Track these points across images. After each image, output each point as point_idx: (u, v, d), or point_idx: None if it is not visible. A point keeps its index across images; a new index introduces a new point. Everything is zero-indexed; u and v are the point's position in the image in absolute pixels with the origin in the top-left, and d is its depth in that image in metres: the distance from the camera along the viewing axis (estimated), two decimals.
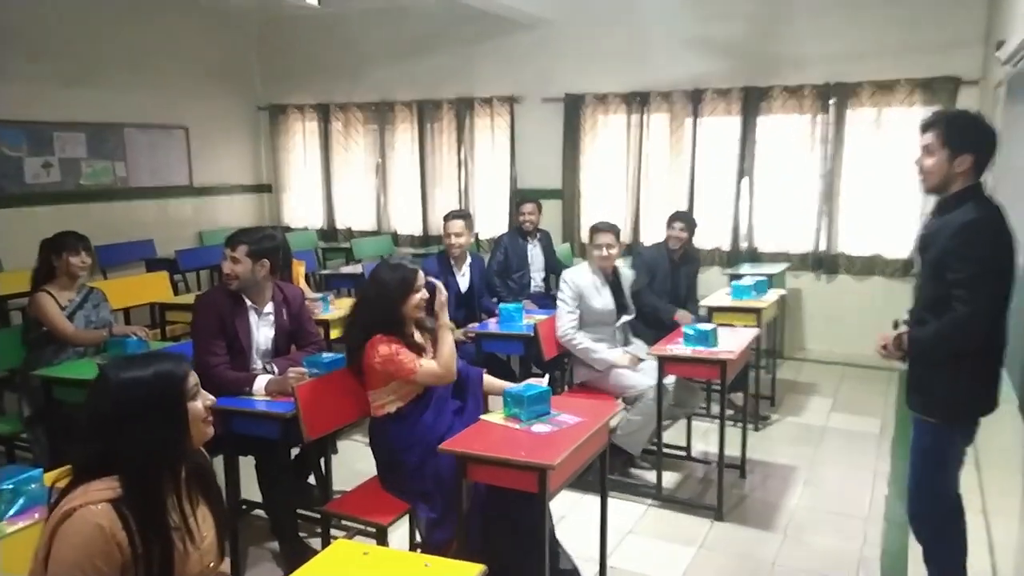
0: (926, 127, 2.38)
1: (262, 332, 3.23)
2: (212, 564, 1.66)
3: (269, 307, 3.25)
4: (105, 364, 1.65)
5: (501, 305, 4.34)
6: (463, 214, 4.69)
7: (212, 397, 1.68)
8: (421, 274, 2.88)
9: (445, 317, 2.89)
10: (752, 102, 6.09)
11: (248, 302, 3.19)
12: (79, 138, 6.59)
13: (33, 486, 1.97)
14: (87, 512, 1.44)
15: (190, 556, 1.57)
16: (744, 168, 6.19)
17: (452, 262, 4.59)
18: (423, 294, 2.85)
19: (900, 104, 5.68)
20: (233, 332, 3.11)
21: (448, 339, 2.83)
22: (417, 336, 2.88)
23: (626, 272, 4.12)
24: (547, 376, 3.04)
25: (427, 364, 2.77)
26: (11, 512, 1.92)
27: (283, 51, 8.08)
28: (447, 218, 4.60)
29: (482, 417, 2.68)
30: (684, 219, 4.92)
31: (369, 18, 7.46)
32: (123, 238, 6.77)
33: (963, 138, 2.30)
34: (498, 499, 2.51)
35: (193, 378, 1.63)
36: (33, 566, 1.48)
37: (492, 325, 4.26)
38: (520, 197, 5.65)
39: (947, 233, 2.28)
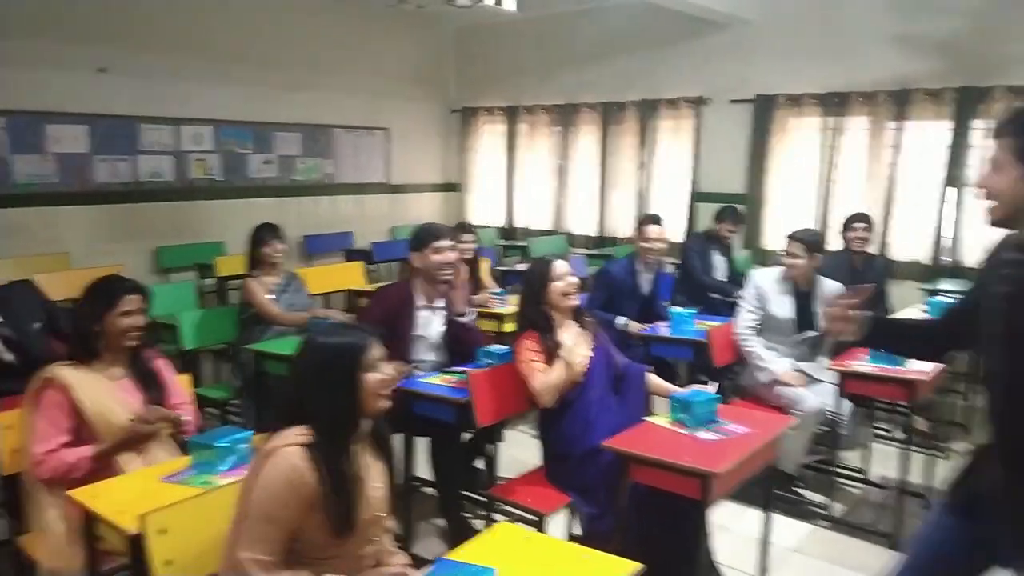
0: (996, 133, 1.66)
1: (433, 326, 3.36)
2: (381, 514, 1.86)
3: (440, 301, 3.36)
4: (309, 329, 1.89)
5: (673, 309, 4.29)
6: (660, 219, 4.52)
7: (393, 372, 1.85)
8: (560, 264, 2.94)
9: (568, 355, 2.84)
10: (967, 104, 5.55)
11: (418, 297, 3.30)
12: (295, 137, 7.33)
13: (244, 446, 2.23)
14: (285, 452, 1.69)
15: (364, 503, 1.78)
16: (952, 176, 5.66)
17: (641, 267, 4.48)
18: (566, 283, 2.91)
19: None
20: (396, 324, 3.21)
21: (558, 372, 2.81)
22: (568, 334, 2.92)
23: (831, 285, 3.87)
24: (715, 384, 2.99)
25: (540, 380, 2.80)
26: (224, 467, 2.17)
27: (477, 55, 8.47)
28: (645, 222, 4.46)
29: (647, 419, 2.70)
30: (864, 219, 4.64)
31: (561, 21, 7.62)
32: (327, 229, 7.45)
33: None
34: (659, 501, 2.51)
35: (375, 352, 1.82)
36: (239, 496, 1.73)
37: (662, 329, 4.23)
38: (728, 212, 5.42)
39: None
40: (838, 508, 3.55)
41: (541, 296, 2.94)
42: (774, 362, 3.71)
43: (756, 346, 3.74)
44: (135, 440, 2.35)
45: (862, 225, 4.61)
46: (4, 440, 2.37)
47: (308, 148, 7.46)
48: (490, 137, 8.50)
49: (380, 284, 4.95)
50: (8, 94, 5.40)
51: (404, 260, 7.12)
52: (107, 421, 2.31)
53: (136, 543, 1.78)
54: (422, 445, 3.26)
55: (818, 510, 3.54)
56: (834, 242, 6.13)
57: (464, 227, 4.74)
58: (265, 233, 4.24)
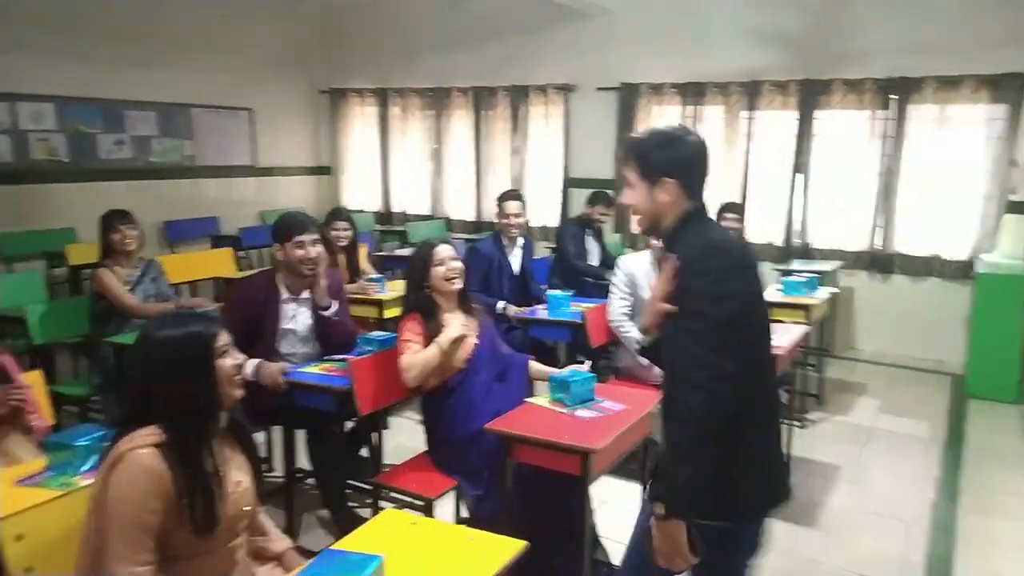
0: (623, 160, 1.87)
1: (300, 318, 3.25)
2: (247, 508, 1.81)
3: (305, 293, 3.26)
4: (145, 323, 1.80)
5: (549, 292, 4.41)
6: (519, 195, 4.74)
7: (241, 357, 1.81)
8: (442, 248, 2.96)
9: (442, 338, 2.84)
10: (810, 96, 6.01)
11: (283, 289, 3.21)
12: (150, 117, 6.88)
13: (106, 444, 2.13)
14: (135, 455, 1.61)
15: (226, 499, 1.73)
16: (800, 163, 6.12)
17: (506, 242, 4.66)
18: (448, 267, 2.93)
19: (964, 101, 5.54)
20: (261, 318, 3.14)
21: (429, 353, 2.83)
22: (454, 321, 2.93)
23: None
24: (590, 363, 3.11)
25: (406, 357, 2.82)
26: (85, 467, 2.04)
27: (345, 36, 8.26)
28: (505, 198, 4.63)
29: (528, 400, 2.77)
30: (737, 209, 4.89)
31: (430, 4, 7.56)
32: (190, 215, 7.06)
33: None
34: (542, 481, 2.59)
35: (223, 339, 1.76)
36: (90, 508, 1.65)
37: (540, 311, 4.34)
38: (601, 197, 5.58)
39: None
40: None
41: (424, 280, 2.95)
42: None
43: (631, 330, 3.89)
44: None
45: (734, 215, 4.82)
46: None
47: (165, 128, 7.03)
48: (362, 120, 8.33)
49: (249, 272, 4.76)
50: None
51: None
52: None
53: None
54: (303, 436, 3.20)
55: None
56: None
57: (338, 214, 4.65)
58: (114, 219, 3.96)
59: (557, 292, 4.36)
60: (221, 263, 5.57)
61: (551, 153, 7.28)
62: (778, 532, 3.34)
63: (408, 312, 2.95)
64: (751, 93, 6.23)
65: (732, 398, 1.59)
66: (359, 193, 8.44)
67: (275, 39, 7.94)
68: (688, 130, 1.84)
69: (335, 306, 3.27)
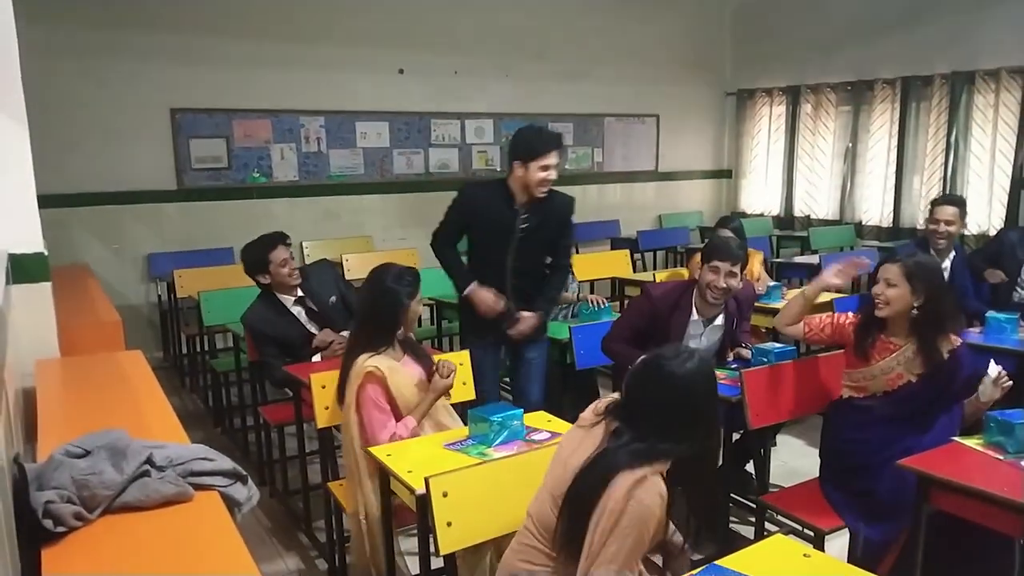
0: None
1: (705, 340, 3.10)
2: None
3: (720, 319, 3.10)
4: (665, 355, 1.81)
5: (990, 314, 3.70)
6: (957, 200, 4.13)
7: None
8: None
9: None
10: None
11: (694, 310, 3.07)
12: (568, 128, 7.51)
13: (515, 423, 2.36)
14: (654, 482, 1.67)
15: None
16: None
17: (933, 252, 4.03)
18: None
19: None
20: (663, 328, 3.02)
21: None
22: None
23: None
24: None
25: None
26: (497, 441, 2.32)
27: (755, 33, 8.01)
28: (937, 203, 4.10)
29: (955, 439, 2.35)
30: None
31: None
32: (594, 217, 7.56)
33: None
34: (959, 535, 2.18)
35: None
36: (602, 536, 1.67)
37: (974, 335, 3.67)
38: None
39: None
40: None
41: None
42: None
43: None
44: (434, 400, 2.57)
45: None
46: (320, 399, 2.72)
47: (580, 137, 7.61)
48: (768, 120, 8.01)
49: (648, 277, 4.89)
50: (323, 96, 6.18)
51: (673, 248, 7.06)
52: (405, 398, 2.55)
53: (423, 501, 1.94)
54: None
55: None
56: None
57: (725, 221, 4.52)
58: None
59: (998, 314, 3.65)
60: (618, 264, 5.84)
61: (999, 149, 6.13)
62: None
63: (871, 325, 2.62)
64: None
65: None
66: (759, 197, 8.14)
67: (684, 41, 8.03)
68: None
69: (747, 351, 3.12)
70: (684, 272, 4.87)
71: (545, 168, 3.07)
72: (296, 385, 3.12)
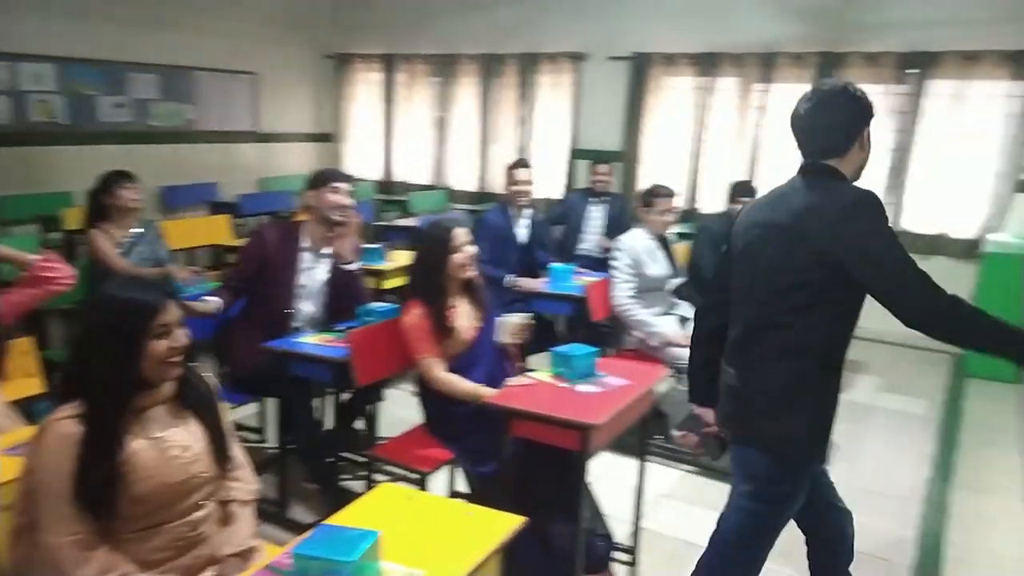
0: None
1: (316, 273, 3.23)
2: (204, 472, 1.71)
3: (327, 248, 3.24)
4: (106, 284, 1.71)
5: (552, 265, 4.34)
6: (529, 163, 4.67)
7: (185, 340, 1.65)
8: (460, 232, 2.79)
9: (485, 391, 2.65)
10: (826, 68, 5.86)
11: (305, 238, 3.19)
12: (151, 80, 6.76)
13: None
14: (57, 424, 1.55)
15: (169, 464, 1.63)
16: None
17: (513, 212, 4.55)
18: (465, 253, 2.79)
19: (984, 77, 5.40)
20: (277, 265, 3.12)
21: (463, 387, 2.71)
22: (461, 307, 2.83)
23: (670, 235, 4.11)
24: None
25: (435, 364, 2.72)
26: None
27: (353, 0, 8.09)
28: (514, 166, 4.56)
29: (529, 374, 2.72)
30: (753, 193, 4.80)
31: None
32: (188, 180, 6.98)
33: None
34: (542, 455, 2.54)
35: (168, 315, 1.62)
36: (24, 481, 1.58)
37: (541, 284, 4.27)
38: (595, 157, 5.63)
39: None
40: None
41: (440, 267, 2.76)
42: (662, 324, 3.81)
43: (640, 313, 3.81)
44: None
45: (749, 199, 4.70)
46: None
47: (167, 91, 6.91)
48: (367, 86, 8.19)
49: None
50: None
51: (275, 213, 6.87)
52: None
53: None
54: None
55: (688, 455, 3.72)
56: (704, 202, 6.43)
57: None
58: (118, 179, 3.89)
59: (559, 264, 4.29)
60: (218, 230, 5.49)
61: (559, 123, 7.15)
62: None
63: (416, 296, 2.80)
64: (766, 65, 6.09)
65: None
66: (361, 161, 8.32)
67: (281, 2, 7.77)
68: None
69: (358, 264, 3.23)
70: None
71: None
72: None
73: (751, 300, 2.04)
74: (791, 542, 2.31)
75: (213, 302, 3.07)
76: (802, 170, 2.01)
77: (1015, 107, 5.33)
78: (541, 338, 4.04)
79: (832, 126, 1.97)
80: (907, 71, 5.62)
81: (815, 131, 1.98)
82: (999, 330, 1.84)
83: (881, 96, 5.73)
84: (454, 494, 3.03)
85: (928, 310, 1.85)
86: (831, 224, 1.85)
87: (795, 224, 1.91)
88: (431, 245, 2.81)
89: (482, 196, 7.56)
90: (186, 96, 7.08)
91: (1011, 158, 5.39)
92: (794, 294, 1.93)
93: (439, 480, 3.04)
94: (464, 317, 2.84)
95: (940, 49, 5.48)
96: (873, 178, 5.82)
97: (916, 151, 5.71)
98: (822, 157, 1.97)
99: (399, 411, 3.69)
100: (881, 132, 5.75)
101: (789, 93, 6.05)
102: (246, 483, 1.87)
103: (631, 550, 2.85)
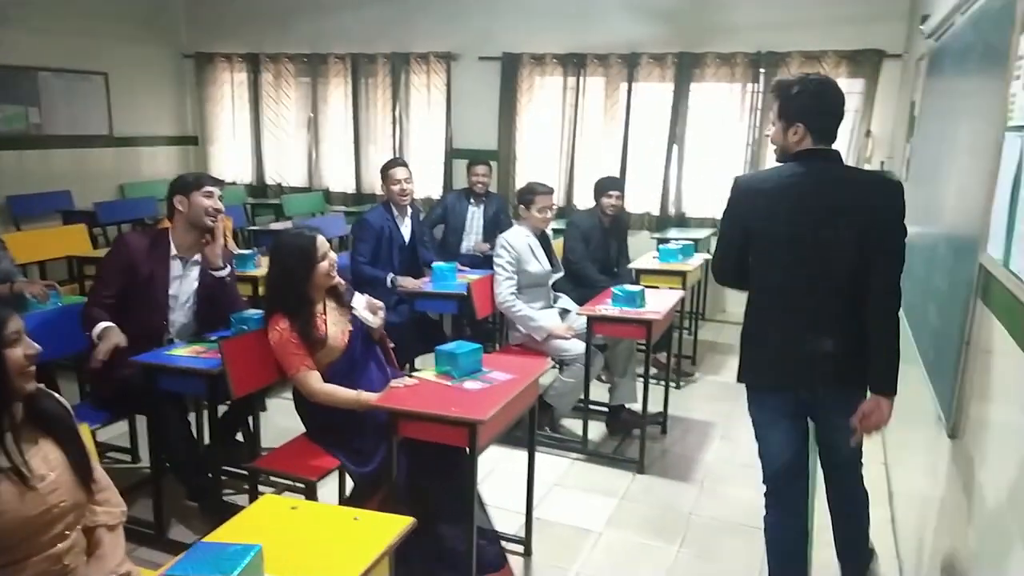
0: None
1: (185, 282, 3.10)
2: (63, 502, 1.60)
3: (196, 255, 3.11)
4: None
5: (435, 264, 4.34)
6: (406, 163, 4.60)
7: (36, 347, 1.58)
8: (321, 241, 2.71)
9: (367, 396, 2.61)
10: (685, 69, 6.17)
11: (173, 247, 3.06)
12: None
13: None
14: None
15: (25, 496, 1.53)
16: (675, 135, 6.29)
17: (396, 212, 4.51)
18: (330, 261, 2.71)
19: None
20: (146, 276, 2.98)
21: (344, 396, 2.64)
22: (326, 319, 2.74)
23: (548, 232, 4.22)
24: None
25: (310, 376, 2.63)
26: None
27: None
28: (392, 165, 4.48)
29: (414, 374, 2.71)
30: (621, 187, 4.98)
31: None
32: (38, 188, 6.46)
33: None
34: (427, 454, 2.54)
35: (13, 325, 1.55)
36: None
37: (425, 284, 4.26)
38: (471, 157, 5.64)
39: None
40: (591, 440, 3.86)
41: (305, 277, 2.66)
42: (544, 319, 3.90)
43: (523, 307, 3.89)
44: None
45: (617, 193, 4.86)
46: None
47: (6, 94, 6.36)
48: (232, 87, 7.86)
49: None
50: None
51: (140, 221, 6.48)
52: None
53: None
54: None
55: (576, 444, 3.82)
56: (580, 198, 6.61)
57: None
58: None
59: (442, 264, 4.30)
60: (74, 241, 5.12)
61: (434, 123, 7.14)
62: (657, 487, 3.48)
63: (279, 310, 2.67)
64: (630, 65, 6.32)
65: None
66: (230, 165, 7.98)
67: None
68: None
69: (228, 269, 3.10)
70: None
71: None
72: None
73: (834, 275, 2.17)
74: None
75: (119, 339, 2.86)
76: (823, 154, 2.22)
77: (853, 103, 5.79)
78: (427, 337, 4.06)
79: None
80: (759, 70, 6.00)
81: (840, 117, 2.23)
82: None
83: (738, 94, 6.09)
84: (344, 501, 2.98)
85: (898, 289, 2.15)
86: (896, 196, 2.12)
87: (863, 203, 2.13)
88: (294, 255, 2.68)
89: (359, 197, 7.44)
90: (29, 98, 6.54)
91: (853, 150, 5.85)
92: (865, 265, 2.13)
93: (329, 488, 2.98)
94: (333, 324, 2.78)
95: (786, 49, 5.88)
96: (732, 170, 6.19)
97: (768, 146, 6.08)
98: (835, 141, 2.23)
99: (283, 420, 3.57)
100: (739, 128, 6.12)
101: (652, 92, 6.33)
102: (112, 505, 1.77)
103: (525, 541, 2.90)
